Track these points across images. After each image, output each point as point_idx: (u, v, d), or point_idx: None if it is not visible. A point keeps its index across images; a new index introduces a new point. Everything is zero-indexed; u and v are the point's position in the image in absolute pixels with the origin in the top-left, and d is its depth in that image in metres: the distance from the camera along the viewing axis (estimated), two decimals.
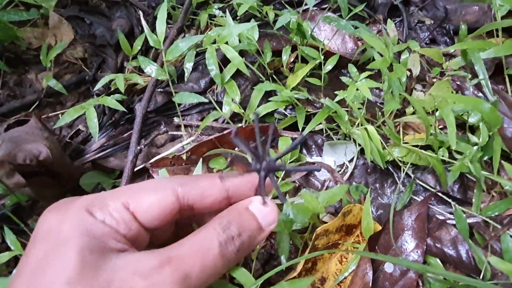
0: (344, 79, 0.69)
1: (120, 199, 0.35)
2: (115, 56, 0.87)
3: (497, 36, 0.82)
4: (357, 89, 0.68)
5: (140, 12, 0.64)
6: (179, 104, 0.80)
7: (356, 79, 0.69)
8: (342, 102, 0.70)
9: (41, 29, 0.92)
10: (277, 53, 0.80)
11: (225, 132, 0.67)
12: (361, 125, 0.65)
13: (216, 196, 0.39)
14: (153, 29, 0.77)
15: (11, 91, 0.85)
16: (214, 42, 0.73)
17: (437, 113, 0.65)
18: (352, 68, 0.70)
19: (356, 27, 0.75)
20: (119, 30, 0.80)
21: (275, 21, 0.75)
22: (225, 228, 0.36)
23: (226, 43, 0.71)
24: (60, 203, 0.36)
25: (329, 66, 0.72)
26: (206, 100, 0.66)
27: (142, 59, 0.66)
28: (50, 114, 0.80)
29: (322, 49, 0.75)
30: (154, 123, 0.78)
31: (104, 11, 0.94)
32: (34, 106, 0.82)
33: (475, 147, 0.59)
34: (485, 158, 0.63)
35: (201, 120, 0.79)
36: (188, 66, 0.79)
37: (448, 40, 0.87)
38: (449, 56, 0.86)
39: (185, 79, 0.79)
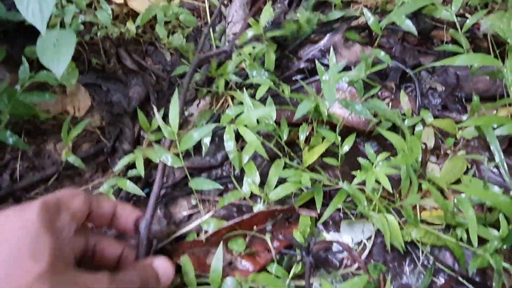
0: (361, 160, 0.70)
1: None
2: (132, 125, 0.89)
3: (510, 105, 0.84)
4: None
5: (154, 108, 0.65)
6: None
7: (373, 161, 0.70)
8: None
9: (59, 95, 0.94)
10: (293, 124, 0.81)
11: (244, 217, 0.68)
12: (379, 211, 0.66)
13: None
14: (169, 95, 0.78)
15: (30, 163, 0.86)
16: (232, 121, 0.74)
17: (455, 200, 0.65)
18: (369, 149, 0.71)
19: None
20: (138, 110, 0.81)
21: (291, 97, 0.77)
22: (141, 277, 0.50)
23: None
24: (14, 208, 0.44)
25: (346, 147, 0.73)
26: (222, 188, 0.67)
27: (158, 148, 0.67)
28: None
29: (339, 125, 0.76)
30: (172, 199, 0.79)
31: (121, 77, 0.96)
32: (53, 179, 0.83)
33: (496, 242, 0.59)
34: (505, 246, 0.64)
35: (219, 194, 0.80)
36: (206, 141, 0.80)
37: (460, 107, 0.88)
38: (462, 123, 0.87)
39: (203, 154, 0.81)
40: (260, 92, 0.72)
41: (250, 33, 0.84)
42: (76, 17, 0.84)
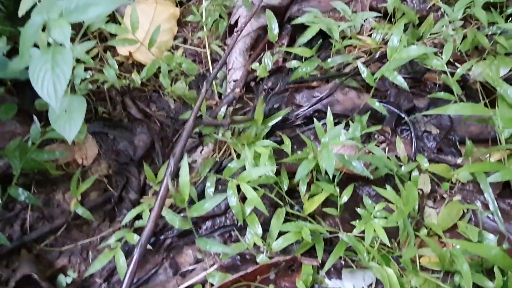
0: (360, 211, 0.73)
1: None
2: (138, 174, 0.92)
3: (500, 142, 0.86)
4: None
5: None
6: (200, 227, 0.84)
7: (371, 211, 0.73)
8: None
9: (67, 144, 0.97)
10: (293, 173, 0.84)
11: (248, 269, 0.71)
12: (378, 263, 0.68)
13: None
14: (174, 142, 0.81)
15: (40, 213, 0.89)
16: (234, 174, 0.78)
17: (450, 247, 0.68)
18: (367, 200, 0.74)
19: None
20: (144, 164, 0.85)
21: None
22: None
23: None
24: None
25: (345, 197, 0.76)
26: (230, 251, 0.70)
27: (167, 212, 0.71)
28: (80, 243, 0.84)
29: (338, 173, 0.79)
30: (176, 248, 0.82)
31: (127, 125, 1.00)
32: (62, 229, 0.86)
33: None
34: None
35: (224, 241, 0.82)
36: (210, 191, 0.83)
37: (455, 150, 0.91)
38: (457, 165, 0.90)
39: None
40: (263, 159, 0.76)
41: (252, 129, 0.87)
42: (85, 72, 0.88)
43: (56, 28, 0.58)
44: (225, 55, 0.88)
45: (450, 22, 0.95)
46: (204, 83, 0.73)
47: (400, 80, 0.80)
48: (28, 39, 0.59)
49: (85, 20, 0.58)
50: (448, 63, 0.90)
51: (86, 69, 0.89)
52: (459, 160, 0.89)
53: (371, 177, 0.74)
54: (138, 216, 0.82)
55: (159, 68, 0.99)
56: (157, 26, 0.93)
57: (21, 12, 0.83)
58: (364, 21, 1.05)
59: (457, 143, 0.91)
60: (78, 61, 0.84)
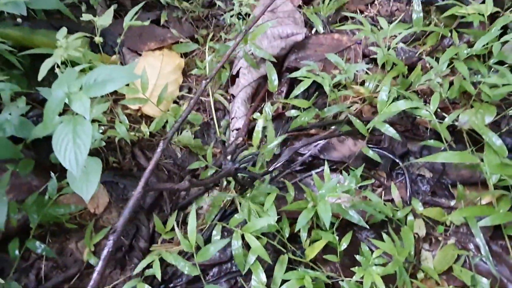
0: (358, 258, 0.77)
1: None
2: (147, 222, 0.96)
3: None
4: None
5: (176, 228, 0.72)
6: (207, 274, 0.88)
7: (369, 258, 0.77)
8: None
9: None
10: (294, 218, 0.89)
11: None
12: None
13: None
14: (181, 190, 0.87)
15: (54, 262, 0.93)
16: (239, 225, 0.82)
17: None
18: (365, 247, 0.78)
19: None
20: (155, 215, 0.90)
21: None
22: None
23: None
24: None
25: (344, 244, 0.80)
26: None
27: (175, 257, 0.75)
28: None
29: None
30: None
31: (136, 174, 1.05)
32: (75, 278, 0.90)
33: None
34: None
35: None
36: (216, 238, 0.88)
37: (447, 193, 0.95)
38: (450, 208, 0.94)
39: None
40: (268, 203, 0.81)
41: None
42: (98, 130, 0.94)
43: (77, 101, 0.64)
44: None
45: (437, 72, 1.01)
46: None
47: (391, 132, 0.86)
48: (51, 112, 0.65)
49: (102, 94, 0.65)
50: (437, 110, 0.96)
51: (99, 125, 0.96)
52: (452, 203, 0.93)
53: (367, 227, 0.79)
54: (148, 265, 0.87)
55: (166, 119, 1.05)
56: (164, 84, 1.00)
57: (40, 75, 0.91)
58: (357, 71, 1.12)
59: (450, 186, 0.96)
60: (93, 120, 0.91)
